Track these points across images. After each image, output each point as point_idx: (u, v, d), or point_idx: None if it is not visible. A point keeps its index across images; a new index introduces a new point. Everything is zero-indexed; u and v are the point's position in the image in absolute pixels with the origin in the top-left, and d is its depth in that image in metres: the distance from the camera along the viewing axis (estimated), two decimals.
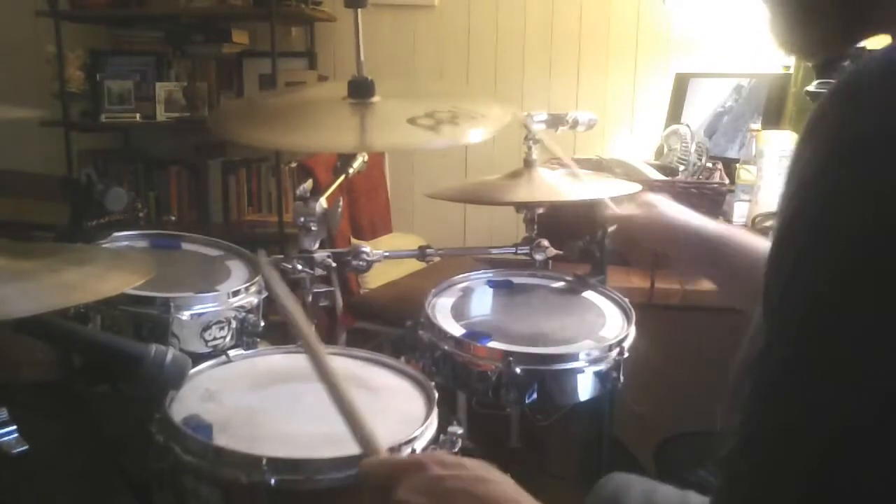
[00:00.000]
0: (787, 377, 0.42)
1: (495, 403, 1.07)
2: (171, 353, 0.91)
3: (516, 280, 1.38)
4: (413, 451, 0.87)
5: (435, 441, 0.92)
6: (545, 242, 1.38)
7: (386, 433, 0.87)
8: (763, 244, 0.95)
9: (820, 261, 0.40)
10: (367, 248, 1.28)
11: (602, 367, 1.09)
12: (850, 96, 0.42)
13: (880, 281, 0.38)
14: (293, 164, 3.09)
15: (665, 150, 2.29)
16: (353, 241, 2.35)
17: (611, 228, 1.24)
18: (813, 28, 0.54)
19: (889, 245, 0.38)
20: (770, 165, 2.06)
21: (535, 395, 1.06)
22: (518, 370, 1.04)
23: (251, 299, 1.20)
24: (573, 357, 1.08)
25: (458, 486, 0.62)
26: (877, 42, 0.49)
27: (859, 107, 0.41)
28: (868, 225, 0.39)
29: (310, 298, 1.21)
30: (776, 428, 0.43)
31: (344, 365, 1.10)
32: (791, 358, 0.42)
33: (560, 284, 1.37)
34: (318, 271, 1.21)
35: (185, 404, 0.95)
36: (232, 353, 1.11)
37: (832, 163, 0.41)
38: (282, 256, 1.24)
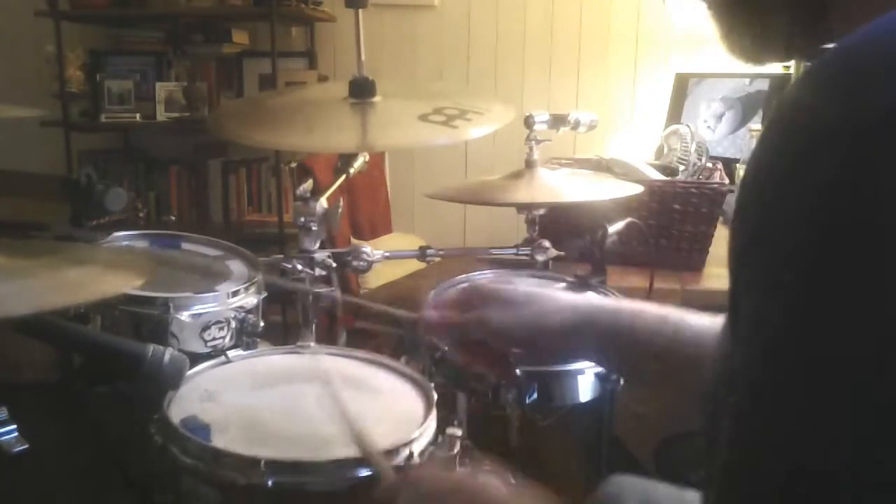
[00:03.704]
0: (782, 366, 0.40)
1: (495, 404, 1.07)
2: (168, 353, 0.91)
3: (517, 280, 1.37)
4: (410, 453, 0.87)
5: (433, 442, 0.92)
6: (546, 243, 1.37)
7: (385, 434, 0.87)
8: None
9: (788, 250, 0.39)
10: (367, 248, 1.27)
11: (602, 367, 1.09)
12: (814, 86, 0.41)
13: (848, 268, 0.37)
14: (293, 164, 3.09)
15: (665, 150, 2.29)
16: (353, 241, 2.35)
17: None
18: (765, 33, 0.53)
19: (857, 241, 0.36)
20: None
21: (534, 396, 1.06)
22: (518, 371, 1.04)
23: (251, 299, 1.20)
24: None
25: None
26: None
27: (822, 98, 0.39)
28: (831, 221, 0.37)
29: (310, 299, 1.21)
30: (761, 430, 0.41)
31: (344, 365, 1.10)
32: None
33: (560, 285, 1.36)
34: (318, 271, 1.21)
35: (184, 405, 0.95)
36: (231, 353, 1.11)
37: (796, 158, 0.39)
38: (281, 256, 1.24)
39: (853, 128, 0.37)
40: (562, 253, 1.38)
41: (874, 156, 0.36)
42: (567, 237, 1.37)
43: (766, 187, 0.41)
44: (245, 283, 1.21)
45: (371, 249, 1.28)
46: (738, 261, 0.44)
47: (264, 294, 1.23)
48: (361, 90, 1.14)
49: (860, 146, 0.37)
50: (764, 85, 2.52)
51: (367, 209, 2.73)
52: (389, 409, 0.98)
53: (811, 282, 0.38)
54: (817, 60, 0.41)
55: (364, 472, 0.83)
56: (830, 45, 0.43)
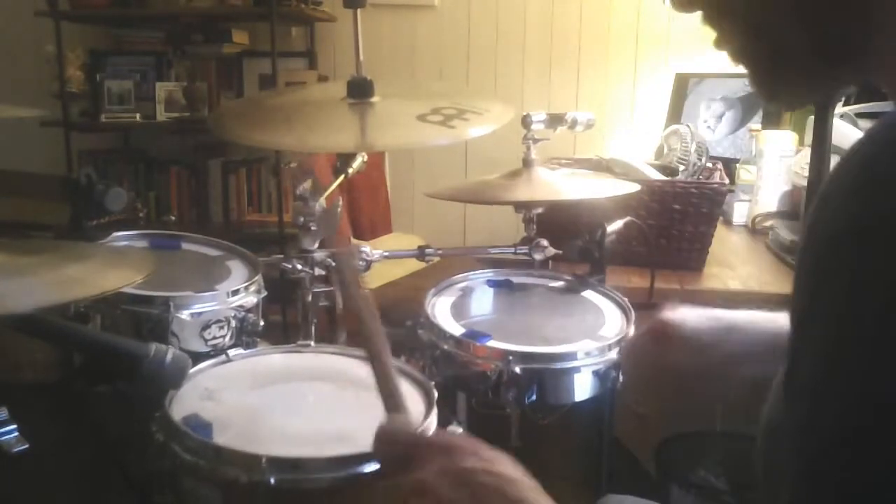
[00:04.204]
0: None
1: (495, 403, 1.07)
2: (170, 353, 0.91)
3: (516, 280, 1.38)
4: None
5: None
6: (544, 242, 1.38)
7: None
8: None
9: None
10: (367, 248, 1.28)
11: (601, 366, 1.09)
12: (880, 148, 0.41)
13: None
14: (293, 164, 3.09)
15: (665, 150, 2.29)
16: (353, 241, 2.35)
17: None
18: (793, 80, 0.54)
19: None
20: (770, 165, 2.06)
21: (534, 395, 1.06)
22: (518, 369, 1.04)
23: (251, 299, 1.20)
24: (572, 356, 1.09)
25: (491, 484, 0.56)
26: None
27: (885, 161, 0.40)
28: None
29: (310, 298, 1.21)
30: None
31: (344, 364, 1.10)
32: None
33: (559, 284, 1.37)
34: (318, 271, 1.21)
35: (184, 403, 0.95)
36: (231, 352, 1.11)
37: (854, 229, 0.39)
38: (282, 256, 1.24)
39: None
40: (560, 252, 1.38)
41: None
42: (566, 236, 1.38)
43: (830, 248, 0.41)
44: (245, 282, 1.22)
45: (370, 249, 1.28)
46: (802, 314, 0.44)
47: (264, 293, 1.24)
48: (360, 90, 1.14)
49: None
50: None
51: (367, 209, 2.73)
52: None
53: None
54: (881, 126, 0.41)
55: (366, 469, 0.83)
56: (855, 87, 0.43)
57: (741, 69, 0.58)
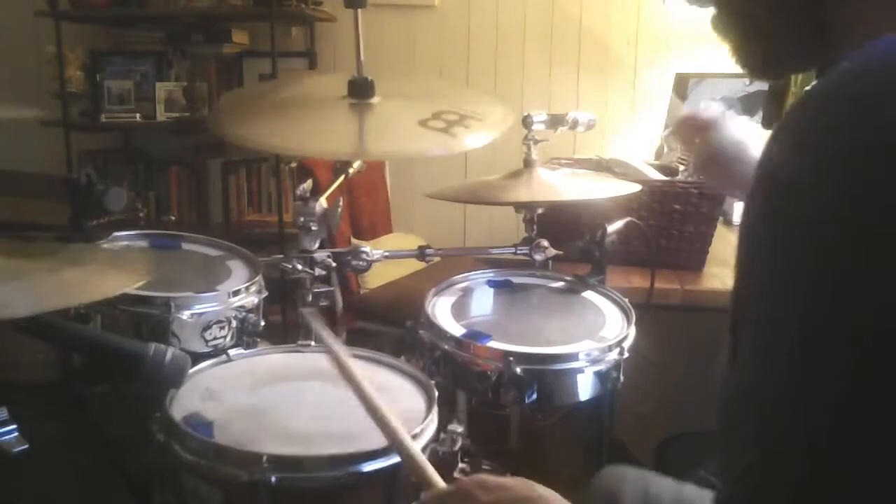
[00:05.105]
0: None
1: (495, 403, 1.07)
2: (170, 352, 0.91)
3: (516, 280, 1.38)
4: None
5: (435, 439, 0.93)
6: (545, 242, 1.38)
7: None
8: None
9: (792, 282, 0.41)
10: (367, 248, 1.28)
11: (602, 366, 1.09)
12: (827, 101, 0.42)
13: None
14: (293, 164, 3.09)
15: (665, 150, 2.29)
16: (353, 241, 2.35)
17: None
18: (770, 52, 0.55)
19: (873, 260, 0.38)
20: None
21: (535, 395, 1.06)
22: (518, 370, 1.04)
23: (251, 299, 1.20)
24: (573, 357, 1.08)
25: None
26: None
27: (833, 114, 0.41)
28: (843, 242, 0.39)
29: (310, 298, 1.21)
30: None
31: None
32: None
33: (560, 284, 1.37)
34: (318, 271, 1.21)
35: (185, 403, 0.95)
36: (232, 352, 1.11)
37: (805, 178, 0.41)
38: (282, 256, 1.24)
39: (862, 149, 0.39)
40: (560, 252, 1.38)
41: (884, 175, 0.38)
42: (566, 237, 1.38)
43: (776, 201, 0.43)
44: (245, 282, 1.22)
45: (371, 249, 1.28)
46: (743, 272, 0.45)
47: (265, 294, 1.24)
48: (360, 90, 1.14)
49: (869, 166, 0.38)
50: (764, 85, 2.53)
51: (367, 209, 2.73)
52: (391, 407, 0.98)
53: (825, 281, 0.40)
54: (822, 82, 0.43)
55: (366, 468, 0.83)
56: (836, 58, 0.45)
57: (741, 69, 0.60)
